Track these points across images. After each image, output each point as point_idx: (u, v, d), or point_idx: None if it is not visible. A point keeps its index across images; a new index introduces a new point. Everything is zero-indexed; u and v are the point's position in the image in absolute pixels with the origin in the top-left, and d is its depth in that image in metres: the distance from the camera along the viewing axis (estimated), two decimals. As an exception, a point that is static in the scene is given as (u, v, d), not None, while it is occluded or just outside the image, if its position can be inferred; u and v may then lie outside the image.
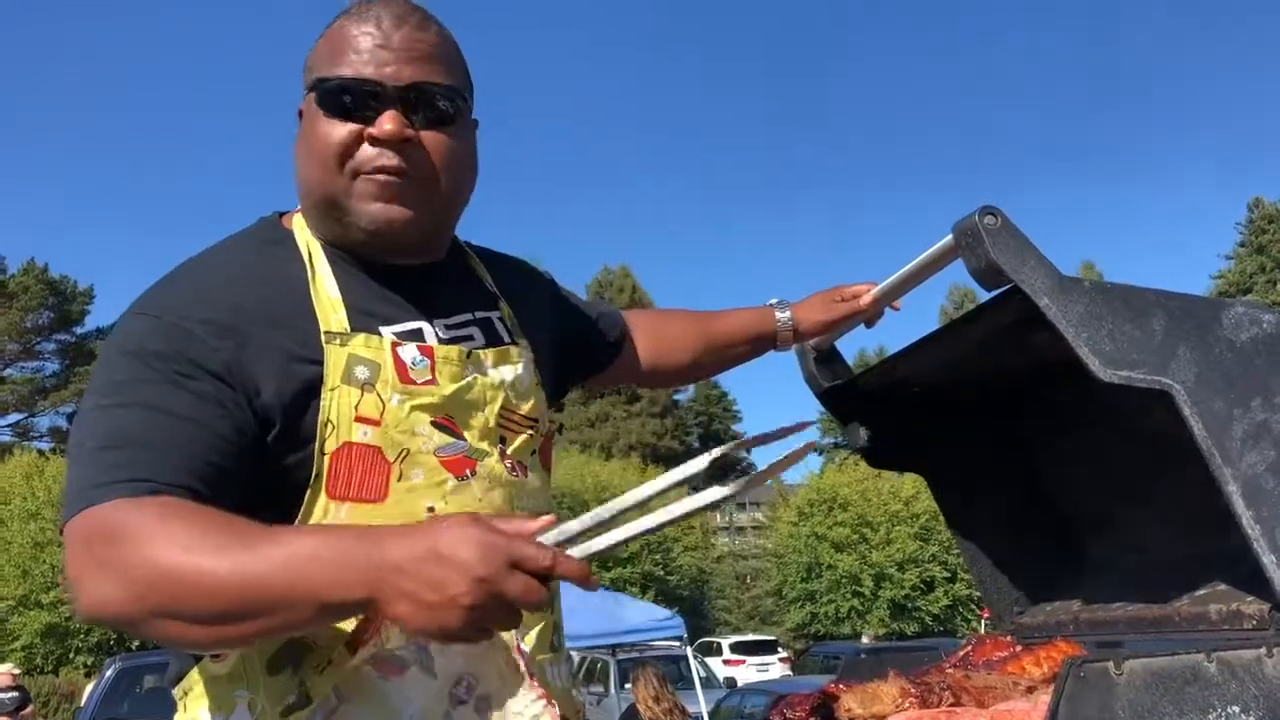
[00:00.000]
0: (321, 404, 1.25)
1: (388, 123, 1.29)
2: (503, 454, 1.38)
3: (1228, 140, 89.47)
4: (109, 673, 10.48)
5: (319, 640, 1.24)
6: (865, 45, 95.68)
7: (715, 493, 1.18)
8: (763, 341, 1.99)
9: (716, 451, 1.16)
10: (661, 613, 12.24)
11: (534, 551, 1.09)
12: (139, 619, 1.11)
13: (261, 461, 1.24)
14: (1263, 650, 1.57)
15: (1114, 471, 2.21)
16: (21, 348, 46.75)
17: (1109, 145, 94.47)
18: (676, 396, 55.31)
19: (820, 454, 57.07)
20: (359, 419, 1.26)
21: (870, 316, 2.03)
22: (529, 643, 1.36)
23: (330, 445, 1.25)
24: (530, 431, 1.42)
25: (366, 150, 1.31)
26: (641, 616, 11.73)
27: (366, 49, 1.30)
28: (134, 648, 24.62)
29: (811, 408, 2.35)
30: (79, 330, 48.67)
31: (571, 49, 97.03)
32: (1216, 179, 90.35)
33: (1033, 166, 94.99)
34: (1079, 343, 1.60)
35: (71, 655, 26.83)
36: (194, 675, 1.29)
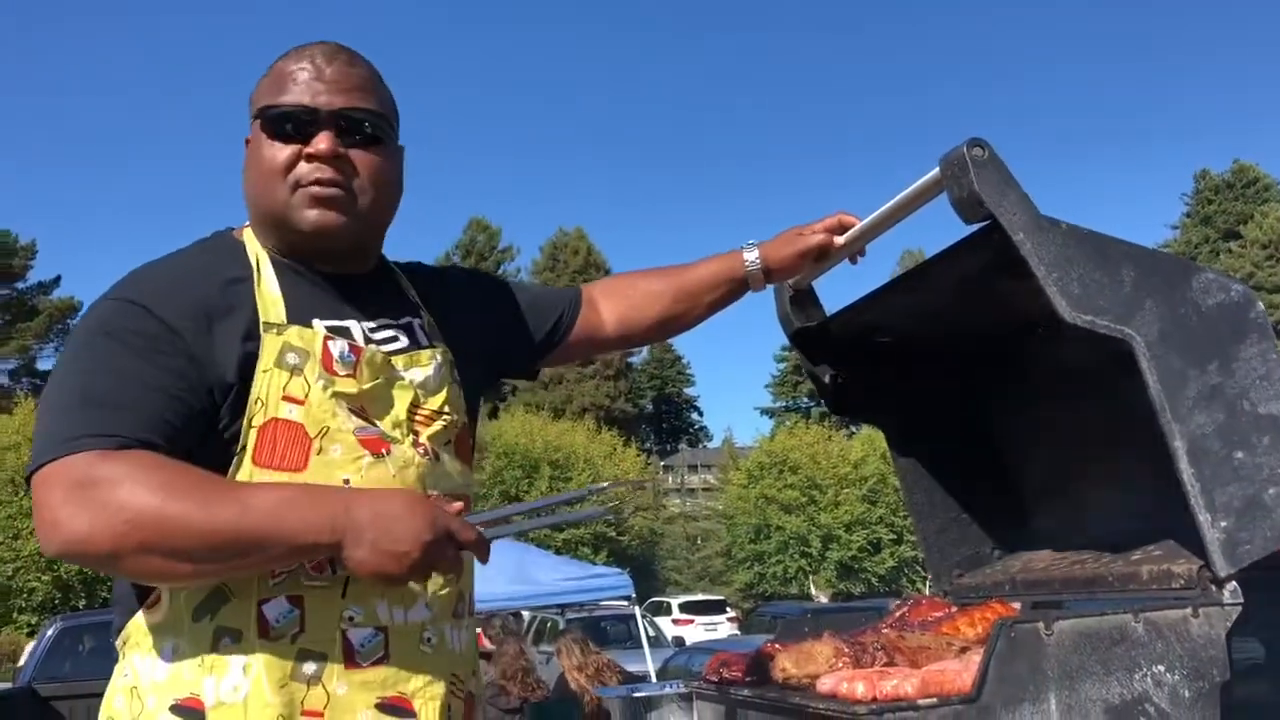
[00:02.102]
0: (254, 383, 1.43)
1: (322, 142, 1.50)
2: (415, 441, 1.54)
3: (1174, 111, 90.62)
4: (50, 632, 10.31)
5: (236, 593, 1.41)
6: (823, 7, 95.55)
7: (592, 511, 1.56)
8: (735, 285, 2.01)
9: (598, 488, 1.54)
10: (610, 572, 12.29)
11: (465, 528, 1.40)
12: (121, 554, 1.30)
13: (210, 430, 1.42)
14: (1189, 610, 1.59)
15: (1063, 434, 2.23)
16: (-40, 302, 45.71)
17: (1054, 114, 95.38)
18: (630, 359, 55.38)
19: (771, 417, 57.59)
20: (285, 398, 1.44)
21: (853, 253, 2.02)
22: (432, 606, 1.52)
23: (258, 420, 1.42)
24: (442, 423, 1.59)
25: (304, 166, 1.51)
26: (590, 576, 11.78)
27: (304, 81, 1.53)
28: (79, 607, 24.42)
29: (763, 370, 2.34)
30: (20, 285, 47.66)
31: (529, 12, 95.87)
32: (1163, 151, 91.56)
33: (977, 130, 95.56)
34: (1049, 282, 1.60)
35: (14, 615, 26.49)
36: (131, 626, 1.47)
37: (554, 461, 33.88)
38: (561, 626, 14.89)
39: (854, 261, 2.05)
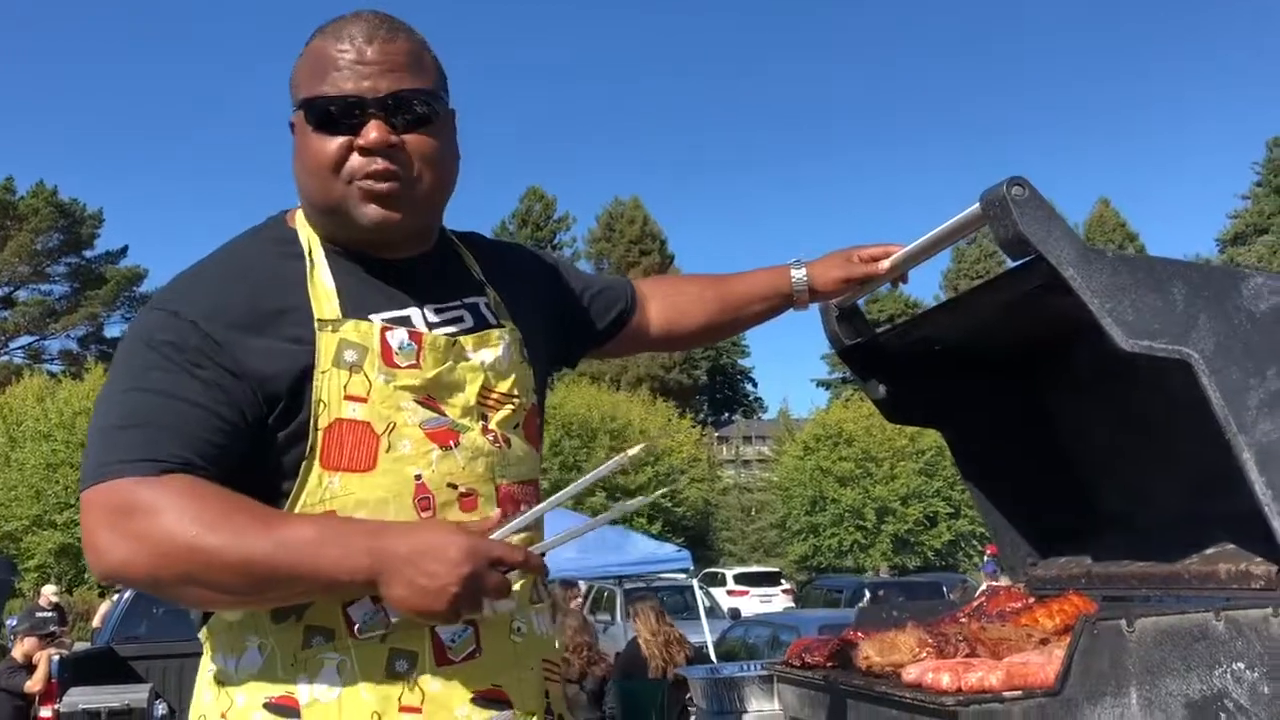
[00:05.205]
0: (314, 385, 1.39)
1: (373, 131, 1.42)
2: (484, 428, 1.50)
3: (1247, 77, 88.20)
4: (128, 594, 10.63)
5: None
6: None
7: (615, 510, 1.50)
8: (779, 301, 2.02)
9: (632, 451, 1.42)
10: (669, 549, 12.41)
11: (509, 551, 1.34)
12: (161, 583, 1.31)
13: (264, 438, 1.40)
14: (1269, 610, 1.63)
15: (1129, 430, 2.26)
16: (31, 270, 46.82)
17: (1125, 79, 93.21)
18: (685, 329, 55.11)
19: (826, 388, 57.34)
20: (348, 397, 1.40)
21: (895, 278, 2.07)
22: (516, 595, 1.47)
23: (323, 422, 1.40)
24: (510, 406, 1.55)
25: (357, 159, 1.44)
26: (651, 550, 11.89)
27: (345, 65, 1.43)
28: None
29: (818, 341, 2.39)
30: (89, 254, 48.71)
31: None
32: (1235, 117, 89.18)
33: (1047, 99, 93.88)
34: (1102, 313, 1.64)
35: (85, 575, 27.28)
36: (213, 622, 1.47)
37: (611, 431, 34.06)
38: (619, 597, 15.11)
39: (896, 286, 2.10)
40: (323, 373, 1.39)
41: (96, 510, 1.31)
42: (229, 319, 1.39)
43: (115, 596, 12.61)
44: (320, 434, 1.39)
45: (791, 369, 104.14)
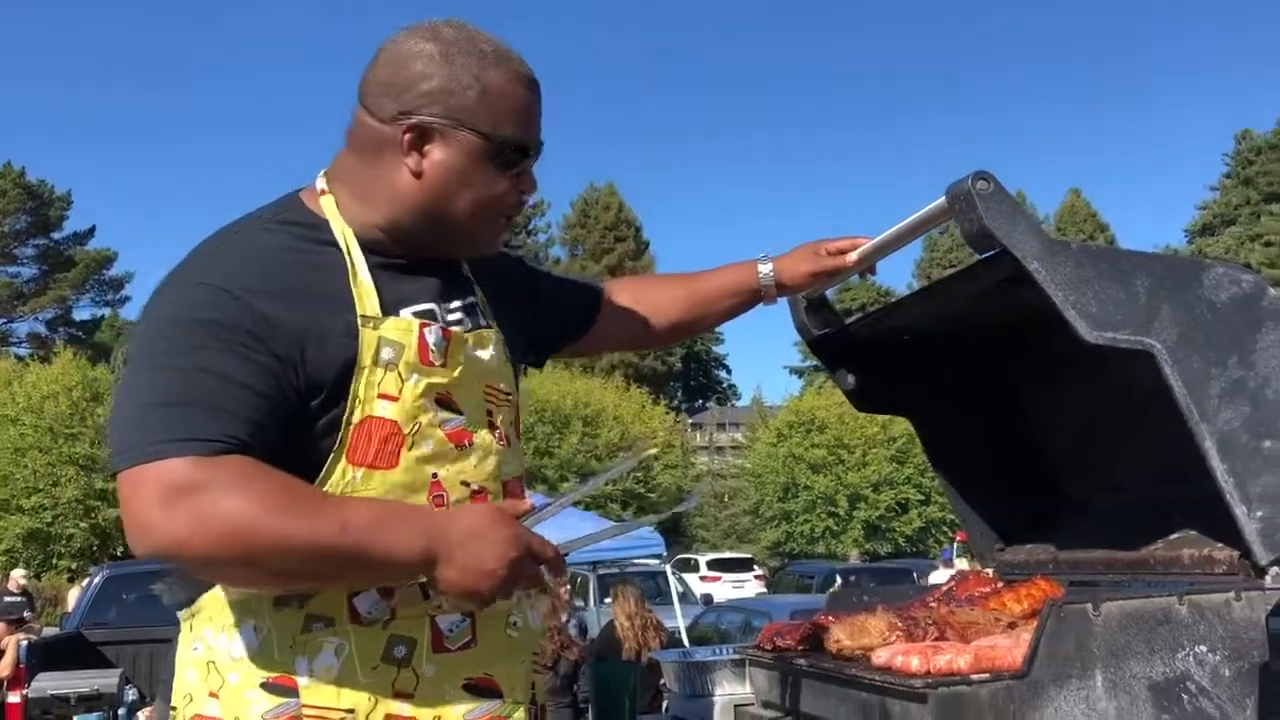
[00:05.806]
0: (352, 381, 1.41)
1: (533, 181, 1.55)
2: (491, 426, 1.55)
3: (1218, 70, 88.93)
4: (98, 579, 10.56)
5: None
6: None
7: (634, 523, 1.53)
8: (748, 297, 2.03)
9: (648, 451, 1.51)
10: (643, 531, 12.43)
11: (543, 546, 1.40)
12: (216, 563, 1.31)
13: (297, 426, 1.40)
14: (1231, 594, 1.67)
15: (1094, 418, 2.29)
16: (-1, 252, 46.24)
17: (1099, 69, 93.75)
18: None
19: (800, 376, 57.54)
20: (381, 395, 1.43)
21: (863, 269, 2.07)
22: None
23: (356, 417, 1.41)
24: (508, 404, 1.60)
25: (511, 200, 1.54)
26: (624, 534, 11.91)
27: (530, 111, 1.52)
28: (119, 555, 24.91)
29: (791, 329, 2.40)
30: (57, 235, 48.14)
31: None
32: (1205, 109, 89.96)
33: (1020, 89, 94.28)
34: (1066, 305, 1.66)
35: (54, 560, 27.05)
36: (206, 599, 1.46)
37: (584, 418, 34.03)
38: (593, 582, 15.14)
39: (863, 277, 2.11)
40: (362, 369, 1.41)
41: (149, 488, 1.28)
42: (277, 302, 1.39)
43: (85, 581, 12.51)
44: (351, 429, 1.41)
45: (765, 356, 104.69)
